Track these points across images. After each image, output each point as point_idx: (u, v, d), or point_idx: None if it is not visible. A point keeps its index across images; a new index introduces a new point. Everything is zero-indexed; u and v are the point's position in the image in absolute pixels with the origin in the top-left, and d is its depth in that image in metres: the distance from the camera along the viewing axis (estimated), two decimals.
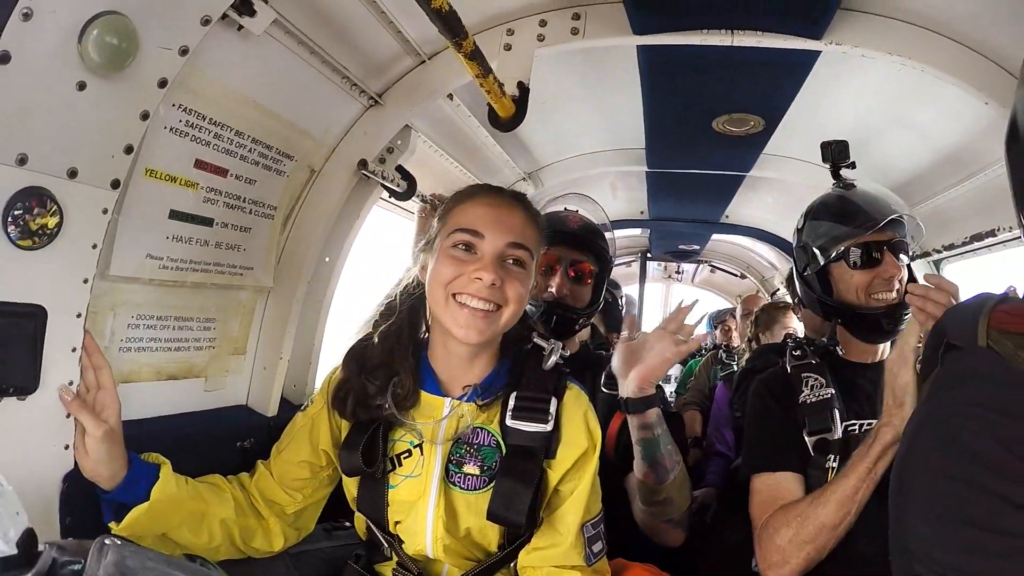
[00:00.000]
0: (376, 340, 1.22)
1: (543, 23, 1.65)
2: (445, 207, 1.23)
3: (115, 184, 1.02)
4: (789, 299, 3.76)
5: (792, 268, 1.86)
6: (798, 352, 1.56)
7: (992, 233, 2.09)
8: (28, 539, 0.62)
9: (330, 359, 1.82)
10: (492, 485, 1.14)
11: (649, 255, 5.60)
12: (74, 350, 1.02)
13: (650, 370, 1.38)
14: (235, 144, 1.37)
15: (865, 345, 1.52)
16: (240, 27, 1.20)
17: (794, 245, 1.69)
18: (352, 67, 1.55)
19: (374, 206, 1.91)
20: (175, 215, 1.30)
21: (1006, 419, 0.64)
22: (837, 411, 1.41)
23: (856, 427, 1.41)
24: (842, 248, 1.50)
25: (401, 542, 1.21)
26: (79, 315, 1.02)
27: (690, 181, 3.06)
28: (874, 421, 1.41)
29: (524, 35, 1.65)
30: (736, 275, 6.25)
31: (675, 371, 6.51)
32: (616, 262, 2.88)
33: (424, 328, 1.28)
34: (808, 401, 1.44)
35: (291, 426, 1.29)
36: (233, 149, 1.38)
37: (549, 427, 1.17)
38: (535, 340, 1.26)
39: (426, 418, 1.20)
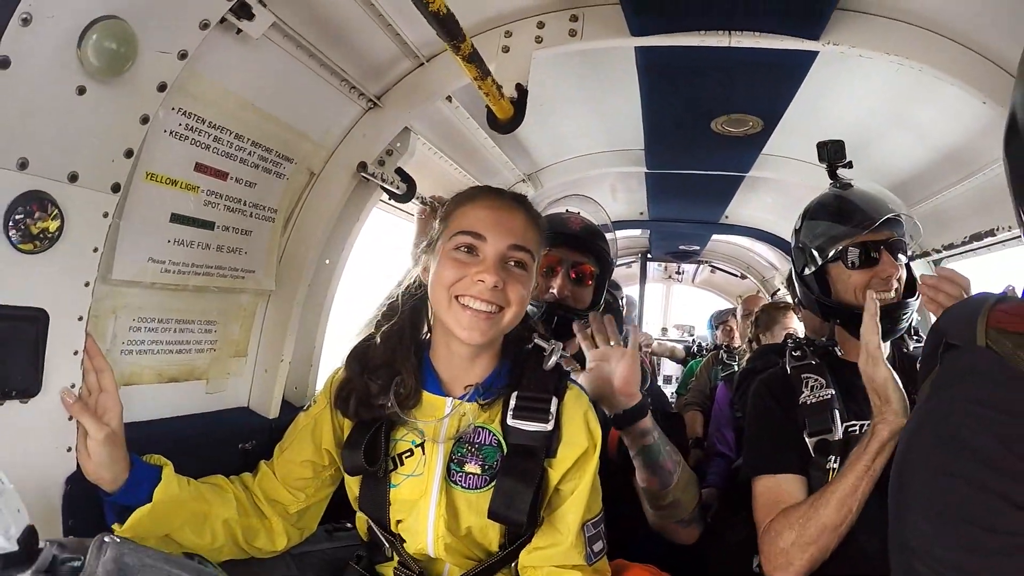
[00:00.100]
0: (378, 340, 1.23)
1: (541, 25, 1.65)
2: (447, 209, 1.24)
3: (115, 188, 1.02)
4: (789, 299, 3.76)
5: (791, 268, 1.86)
6: (798, 353, 1.56)
7: (991, 233, 2.09)
8: (29, 536, 0.63)
9: (331, 361, 1.83)
10: (493, 484, 1.15)
11: (649, 256, 5.62)
12: (76, 353, 1.02)
13: (625, 378, 1.41)
14: (235, 147, 1.38)
15: None
16: (239, 31, 1.20)
17: (792, 246, 1.69)
18: (351, 70, 1.56)
19: (374, 208, 1.92)
20: (176, 218, 1.30)
21: (1006, 417, 0.64)
22: (837, 412, 1.41)
23: (856, 427, 1.40)
24: (840, 248, 1.49)
25: (403, 541, 1.21)
26: (80, 318, 1.02)
27: (689, 182, 3.06)
28: None
29: (522, 37, 1.66)
30: (736, 275, 6.25)
31: (676, 371, 6.53)
32: (617, 263, 2.88)
33: (426, 328, 1.29)
34: (808, 402, 1.44)
35: (294, 426, 1.30)
36: (233, 152, 1.38)
37: (550, 426, 1.17)
38: (536, 341, 1.27)
39: (428, 417, 1.21)
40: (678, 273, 7.51)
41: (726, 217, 3.85)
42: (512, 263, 1.16)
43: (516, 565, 1.21)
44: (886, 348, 1.53)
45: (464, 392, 1.21)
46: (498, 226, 1.16)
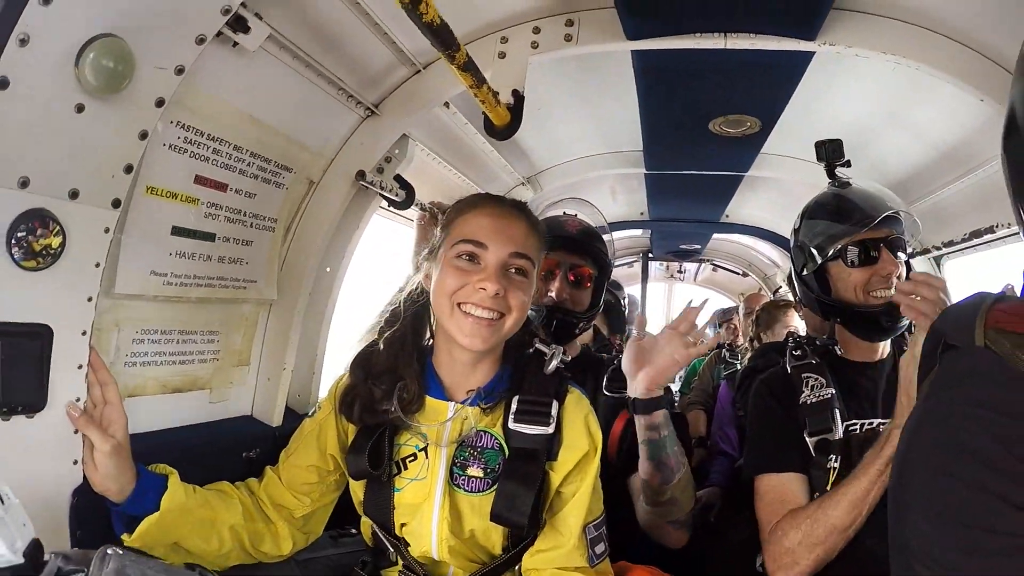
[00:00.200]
0: (381, 346, 1.25)
1: (536, 30, 1.65)
2: (448, 217, 1.26)
3: (116, 203, 1.03)
4: (791, 297, 3.75)
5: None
6: (798, 352, 1.56)
7: (991, 230, 2.09)
8: (35, 549, 0.64)
9: (333, 368, 1.83)
10: (495, 487, 1.16)
11: (651, 255, 5.61)
12: (80, 367, 1.03)
13: (659, 371, 1.40)
14: (234, 159, 1.39)
15: (865, 344, 1.51)
16: (235, 44, 1.21)
17: (791, 245, 1.69)
18: (347, 79, 1.56)
19: (374, 215, 1.92)
20: (177, 231, 1.32)
21: (1006, 419, 0.64)
22: (838, 411, 1.41)
23: (857, 427, 1.41)
24: (839, 246, 1.49)
25: (407, 545, 1.22)
26: (84, 333, 1.03)
27: (689, 182, 3.06)
28: (875, 420, 1.42)
29: (518, 43, 1.66)
30: (738, 273, 6.23)
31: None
32: (618, 263, 2.89)
33: (428, 334, 1.31)
34: (808, 402, 1.45)
35: (299, 431, 1.31)
36: (232, 164, 1.39)
37: (551, 430, 1.19)
38: (536, 345, 1.28)
39: (431, 422, 1.22)
40: (680, 272, 7.49)
41: (726, 216, 3.84)
42: (513, 270, 1.18)
43: (520, 568, 1.22)
44: (886, 347, 1.53)
45: (466, 397, 1.23)
46: (499, 234, 1.17)
